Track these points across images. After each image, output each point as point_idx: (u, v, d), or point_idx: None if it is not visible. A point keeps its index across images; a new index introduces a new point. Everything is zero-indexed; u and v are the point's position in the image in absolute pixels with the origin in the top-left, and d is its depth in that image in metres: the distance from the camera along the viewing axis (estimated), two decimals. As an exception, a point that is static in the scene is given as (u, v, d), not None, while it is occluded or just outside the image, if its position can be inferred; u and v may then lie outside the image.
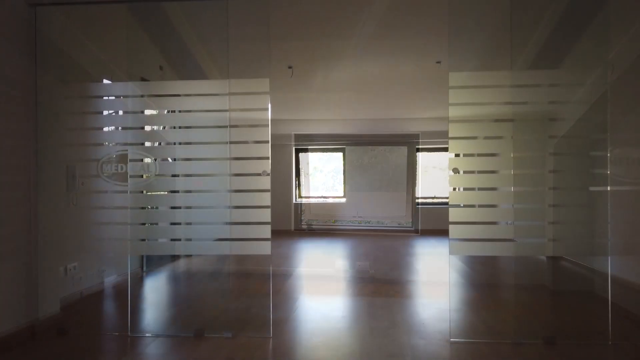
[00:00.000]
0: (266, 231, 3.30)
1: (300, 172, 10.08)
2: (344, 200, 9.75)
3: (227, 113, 3.27)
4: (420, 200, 9.74)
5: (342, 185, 9.85)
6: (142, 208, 3.49)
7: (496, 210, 3.26)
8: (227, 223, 3.23)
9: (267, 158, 3.31)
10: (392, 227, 9.51)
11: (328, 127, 9.06)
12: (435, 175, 10.12)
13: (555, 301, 4.18)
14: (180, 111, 3.44)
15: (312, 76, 6.81)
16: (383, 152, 9.57)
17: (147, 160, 3.33)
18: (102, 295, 4.29)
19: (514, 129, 3.18)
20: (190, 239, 3.48)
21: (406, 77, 6.81)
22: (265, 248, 3.31)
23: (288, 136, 9.46)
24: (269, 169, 3.29)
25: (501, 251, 3.17)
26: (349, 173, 9.67)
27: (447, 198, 10.06)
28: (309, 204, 9.77)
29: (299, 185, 10.01)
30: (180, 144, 3.48)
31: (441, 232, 9.22)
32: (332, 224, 9.63)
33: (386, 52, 6.31)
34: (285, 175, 9.72)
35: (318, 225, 9.64)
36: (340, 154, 9.95)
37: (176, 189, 3.45)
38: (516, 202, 3.18)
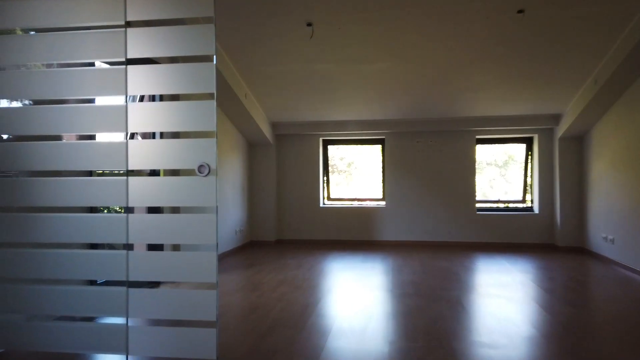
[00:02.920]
0: (208, 301, 1.46)
1: (329, 169, 8.21)
2: (383, 204, 7.81)
3: (123, 67, 1.48)
4: (479, 205, 7.68)
5: (382, 186, 7.91)
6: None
7: None
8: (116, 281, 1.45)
9: (213, 136, 1.48)
10: (446, 240, 7.49)
11: (363, 112, 7.15)
12: (492, 174, 8.03)
13: None
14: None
15: (340, 37, 4.92)
16: (435, 143, 7.56)
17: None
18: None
19: None
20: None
21: (470, 38, 4.81)
22: (206, 343, 1.46)
23: (313, 124, 7.59)
24: (213, 162, 1.46)
25: None
26: (389, 170, 7.71)
27: (514, 203, 8.03)
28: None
29: (327, 185, 8.14)
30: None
31: (508, 247, 7.13)
32: (368, 234, 7.70)
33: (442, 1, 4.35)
34: (310, 174, 7.86)
35: (352, 234, 7.74)
36: (379, 147, 8.01)
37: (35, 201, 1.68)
38: None
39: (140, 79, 1.46)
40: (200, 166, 1.42)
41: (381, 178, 7.92)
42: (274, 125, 7.68)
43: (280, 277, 5.05)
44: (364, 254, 6.66)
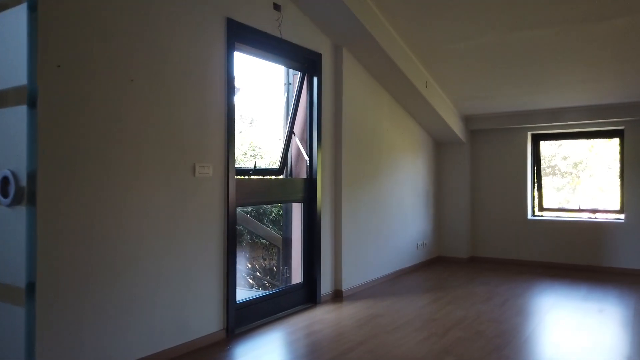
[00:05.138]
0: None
1: (542, 172, 6.50)
2: (622, 218, 5.74)
3: None
4: None
5: (619, 194, 5.85)
6: None
7: None
8: None
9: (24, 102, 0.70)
10: None
11: (589, 95, 5.32)
12: None
13: None
14: None
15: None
16: None
17: None
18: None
19: None
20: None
21: None
22: None
23: (517, 115, 6.05)
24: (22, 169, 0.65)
25: None
26: (633, 172, 5.62)
27: None
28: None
29: (539, 191, 6.45)
30: None
31: None
32: (597, 257, 5.75)
33: None
34: (515, 177, 6.31)
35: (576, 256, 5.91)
36: (616, 141, 5.96)
37: None
38: None
39: None
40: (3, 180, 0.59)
41: (619, 183, 5.85)
42: (467, 119, 6.40)
43: (459, 312, 3.89)
44: (589, 286, 4.88)
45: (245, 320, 3.48)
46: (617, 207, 5.87)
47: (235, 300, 3.34)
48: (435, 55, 4.79)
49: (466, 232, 6.43)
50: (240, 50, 3.54)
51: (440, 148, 6.59)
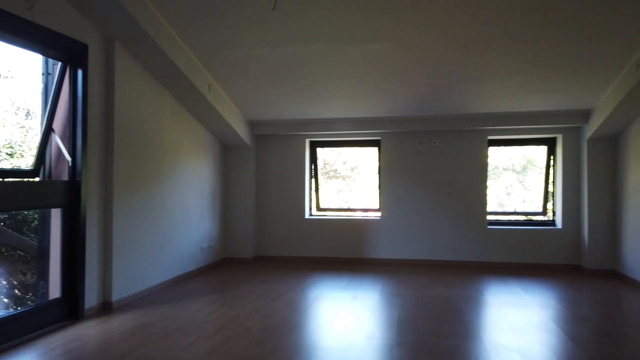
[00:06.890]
0: None
1: (319, 175, 7.16)
2: (378, 215, 6.73)
3: None
4: (491, 218, 6.54)
5: (377, 194, 6.83)
6: None
7: None
8: None
9: None
10: (451, 260, 6.37)
11: (354, 109, 6.09)
12: (509, 181, 6.93)
13: None
14: None
15: (313, 7, 3.87)
16: (439, 144, 6.45)
17: None
18: None
19: None
20: None
21: (483, 10, 3.71)
22: None
23: (297, 123, 6.55)
24: None
25: None
26: (384, 177, 6.63)
27: (533, 215, 6.86)
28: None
29: (317, 193, 7.09)
30: None
31: (524, 270, 5.97)
32: (360, 251, 6.61)
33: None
34: (295, 180, 6.82)
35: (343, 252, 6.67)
36: (375, 149, 6.93)
37: None
38: None
39: None
40: None
41: (377, 185, 6.84)
42: (252, 125, 6.66)
43: (233, 312, 4.01)
44: (351, 276, 5.58)
45: (-22, 348, 2.94)
46: (376, 206, 6.86)
47: (-37, 327, 2.80)
48: (217, 59, 4.84)
49: (251, 233, 6.68)
50: (-26, 29, 2.99)
51: (228, 151, 6.71)
